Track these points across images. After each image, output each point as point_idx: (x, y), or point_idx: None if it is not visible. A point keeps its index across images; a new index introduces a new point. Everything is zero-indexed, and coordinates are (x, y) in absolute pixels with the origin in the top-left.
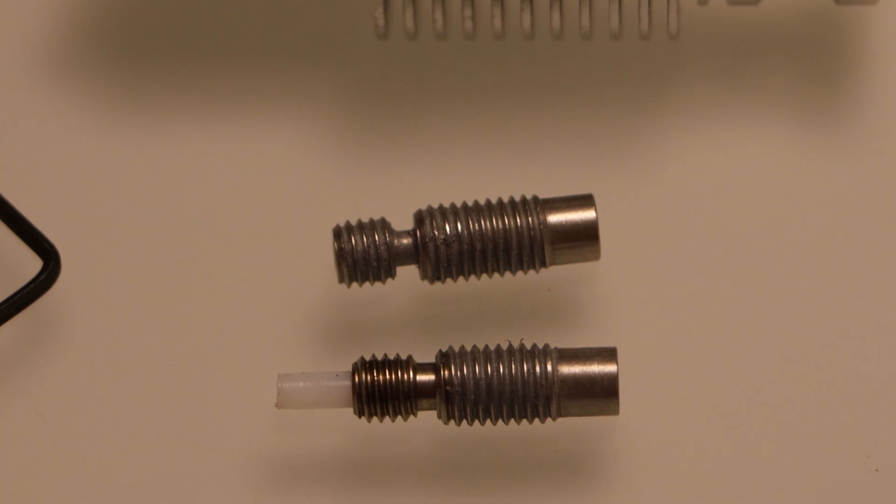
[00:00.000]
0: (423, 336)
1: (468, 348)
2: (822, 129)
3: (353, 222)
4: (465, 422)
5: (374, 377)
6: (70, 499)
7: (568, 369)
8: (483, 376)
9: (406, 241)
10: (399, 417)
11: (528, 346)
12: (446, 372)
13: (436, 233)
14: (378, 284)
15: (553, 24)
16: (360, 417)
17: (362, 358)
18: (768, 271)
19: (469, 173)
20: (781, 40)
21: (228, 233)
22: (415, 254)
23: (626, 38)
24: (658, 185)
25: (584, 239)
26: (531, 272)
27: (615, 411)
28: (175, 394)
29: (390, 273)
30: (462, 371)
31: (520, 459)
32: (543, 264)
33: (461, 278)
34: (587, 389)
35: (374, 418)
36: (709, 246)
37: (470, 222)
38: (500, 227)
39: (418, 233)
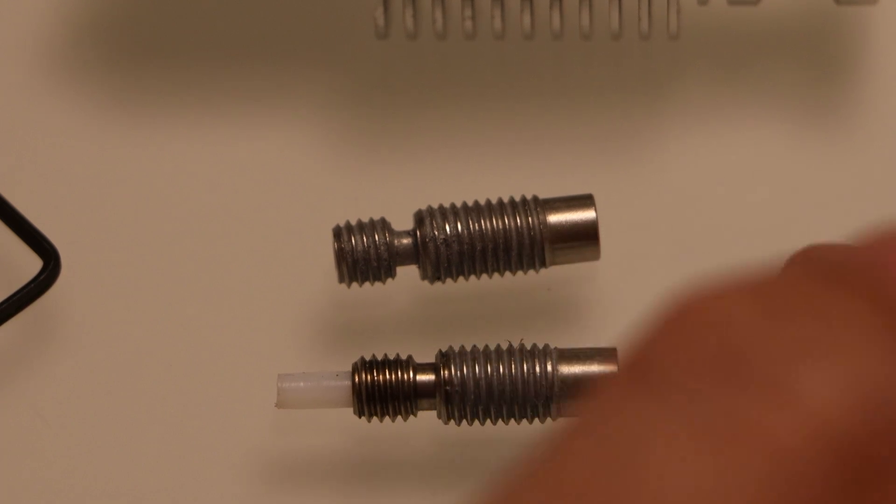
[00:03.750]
0: (423, 336)
1: (468, 348)
2: (823, 129)
3: (353, 222)
4: (465, 422)
5: (374, 377)
6: (70, 499)
7: (568, 369)
8: (483, 376)
9: (406, 241)
10: (399, 417)
11: (528, 347)
12: (446, 372)
13: (436, 233)
14: (378, 284)
15: (553, 24)
16: (360, 417)
17: (362, 358)
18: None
19: (469, 173)
20: (781, 40)
21: (228, 233)
22: (415, 254)
23: (626, 38)
24: (658, 185)
25: (583, 239)
26: (531, 272)
27: None
28: (175, 394)
29: (390, 273)
30: (462, 371)
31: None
32: (543, 264)
33: (461, 278)
34: (587, 390)
35: (374, 418)
36: (709, 246)
37: (470, 222)
38: (500, 227)
39: (418, 233)
